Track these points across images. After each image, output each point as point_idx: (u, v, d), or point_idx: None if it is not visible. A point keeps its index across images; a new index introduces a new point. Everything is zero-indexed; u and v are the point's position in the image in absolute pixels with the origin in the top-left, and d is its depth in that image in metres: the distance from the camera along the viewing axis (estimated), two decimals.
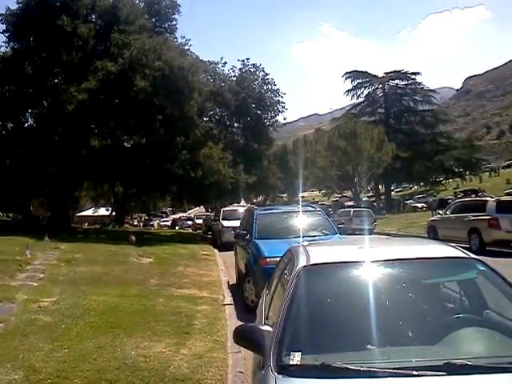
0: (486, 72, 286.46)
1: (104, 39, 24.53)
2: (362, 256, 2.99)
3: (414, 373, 1.99)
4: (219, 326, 6.65)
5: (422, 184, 76.01)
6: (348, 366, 2.05)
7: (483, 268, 2.80)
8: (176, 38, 28.72)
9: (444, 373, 1.99)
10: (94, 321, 6.61)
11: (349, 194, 54.94)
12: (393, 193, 79.58)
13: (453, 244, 3.41)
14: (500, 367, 2.04)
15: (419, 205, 55.49)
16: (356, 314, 2.60)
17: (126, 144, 28.14)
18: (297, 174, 43.65)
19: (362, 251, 3.28)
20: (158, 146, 23.55)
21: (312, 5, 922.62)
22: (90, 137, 25.62)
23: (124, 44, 22.97)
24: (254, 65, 34.07)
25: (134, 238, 18.92)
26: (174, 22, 28.76)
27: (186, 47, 27.68)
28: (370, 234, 24.03)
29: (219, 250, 18.89)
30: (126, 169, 24.16)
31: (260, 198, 59.50)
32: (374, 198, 67.53)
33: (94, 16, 26.17)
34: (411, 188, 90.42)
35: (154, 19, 27.95)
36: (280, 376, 2.10)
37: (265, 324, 2.99)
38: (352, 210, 30.94)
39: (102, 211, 51.12)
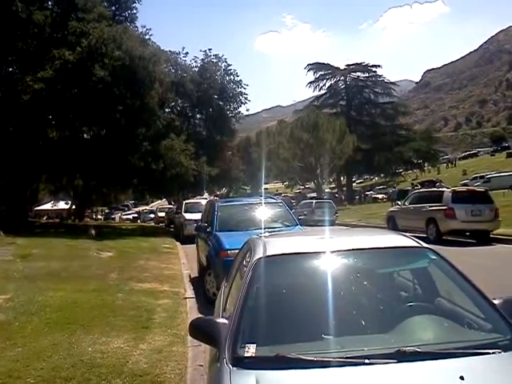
0: (444, 65, 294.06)
1: (61, 27, 23.68)
2: (318, 247, 3.00)
3: (366, 361, 2.02)
4: (179, 320, 6.59)
5: (382, 175, 77.49)
6: (302, 357, 2.06)
7: (434, 257, 2.86)
8: (136, 27, 28.19)
9: (395, 360, 2.02)
10: (50, 317, 6.43)
11: (311, 185, 55.58)
12: (354, 184, 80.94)
13: (408, 234, 3.47)
14: (448, 353, 2.09)
15: (380, 196, 56.69)
16: (312, 304, 2.62)
17: (85, 135, 27.44)
18: (260, 166, 43.83)
19: (318, 242, 3.29)
20: (119, 138, 23.12)
21: None
22: (47, 128, 24.82)
23: (82, 32, 22.28)
24: (216, 55, 33.97)
25: (93, 231, 18.57)
26: (135, 11, 28.19)
27: (147, 37, 27.18)
28: (332, 225, 24.37)
29: (181, 243, 18.75)
30: (86, 161, 23.59)
31: (223, 190, 59.42)
32: (336, 190, 68.45)
33: (50, 3, 25.25)
34: (372, 179, 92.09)
35: (113, 7, 27.28)
36: (234, 368, 2.10)
37: (221, 317, 2.98)
38: (314, 201, 31.29)
39: (62, 205, 49.85)
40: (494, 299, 2.54)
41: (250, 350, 2.19)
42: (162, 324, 6.37)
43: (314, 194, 50.29)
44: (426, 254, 2.92)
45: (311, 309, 2.59)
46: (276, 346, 2.24)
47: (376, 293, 2.73)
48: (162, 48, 29.49)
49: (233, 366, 2.12)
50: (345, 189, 68.93)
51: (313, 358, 2.06)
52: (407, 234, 3.33)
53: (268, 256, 2.85)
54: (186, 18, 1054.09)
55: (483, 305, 2.48)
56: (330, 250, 2.89)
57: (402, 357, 2.04)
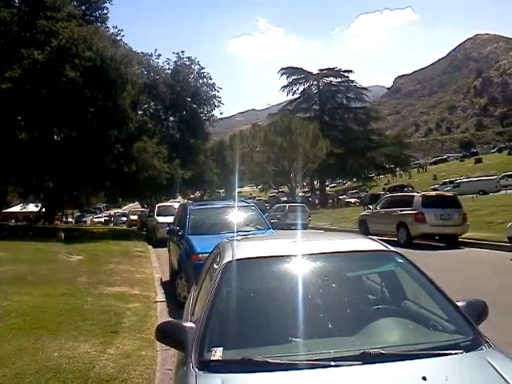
0: (415, 72, 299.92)
1: (29, 26, 23.20)
2: (288, 250, 3.00)
3: (332, 363, 2.04)
4: (149, 324, 6.51)
5: (355, 179, 78.42)
6: (268, 360, 2.07)
7: (401, 260, 2.89)
8: (108, 27, 27.88)
9: (360, 362, 2.05)
10: (14, 322, 6.27)
11: (285, 189, 55.74)
12: (327, 188, 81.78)
13: (377, 238, 3.50)
14: (412, 354, 2.13)
15: (352, 200, 57.32)
16: (280, 307, 2.62)
17: (55, 137, 26.92)
18: (234, 170, 43.80)
19: (288, 245, 3.30)
20: (90, 140, 22.76)
21: None
22: (16, 129, 24.27)
23: (51, 32, 21.87)
24: (189, 58, 33.86)
25: (62, 234, 18.19)
26: (106, 11, 27.86)
27: (119, 38, 26.96)
28: (305, 228, 24.54)
29: (154, 247, 18.59)
30: (56, 163, 23.15)
31: (197, 194, 59.17)
32: (309, 194, 68.92)
33: (17, 0, 24.73)
34: (345, 183, 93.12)
35: (83, 7, 26.86)
36: (201, 372, 2.09)
37: (188, 320, 2.96)
38: (287, 205, 31.44)
39: (32, 207, 48.74)
40: (458, 301, 2.59)
41: (217, 354, 2.18)
42: (132, 328, 6.28)
43: (285, 198, 50.50)
44: (394, 258, 2.95)
45: (279, 312, 2.59)
46: (243, 349, 2.24)
47: (344, 296, 2.75)
48: (134, 49, 29.38)
49: (199, 369, 2.11)
50: (318, 193, 69.42)
51: (279, 361, 2.06)
52: (375, 238, 3.37)
53: (237, 260, 2.84)
54: (159, 20, 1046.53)
55: (447, 307, 2.53)
56: (299, 253, 2.90)
57: (366, 359, 2.06)
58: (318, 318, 2.46)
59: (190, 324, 2.51)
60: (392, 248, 3.01)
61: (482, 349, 2.22)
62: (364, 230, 17.91)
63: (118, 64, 22.21)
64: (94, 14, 27.63)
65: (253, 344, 2.32)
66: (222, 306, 2.54)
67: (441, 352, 2.14)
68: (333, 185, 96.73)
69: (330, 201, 62.32)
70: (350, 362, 2.05)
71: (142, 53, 32.21)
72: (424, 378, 1.92)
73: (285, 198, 51.00)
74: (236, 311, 2.59)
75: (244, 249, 3.16)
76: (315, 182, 70.96)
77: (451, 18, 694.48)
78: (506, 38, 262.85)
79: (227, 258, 2.88)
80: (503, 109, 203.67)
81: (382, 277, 3.16)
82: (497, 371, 2.00)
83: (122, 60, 22.78)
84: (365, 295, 3.01)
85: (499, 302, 6.98)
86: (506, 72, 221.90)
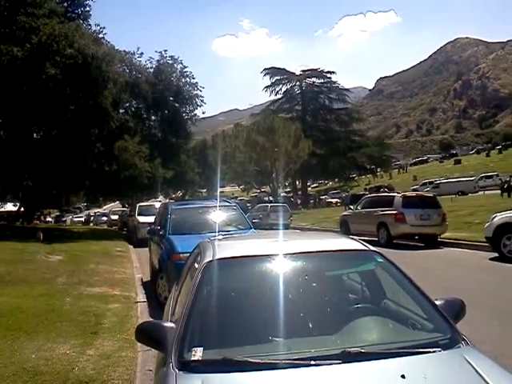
0: (396, 74, 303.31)
1: (9, 22, 22.80)
2: (268, 250, 3.01)
3: (312, 362, 2.05)
4: (130, 325, 6.44)
5: (336, 180, 78.92)
6: (249, 359, 2.07)
7: (381, 260, 2.92)
8: (90, 25, 27.47)
9: (339, 361, 2.06)
10: None
11: (267, 189, 55.82)
12: (309, 188, 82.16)
13: (357, 237, 3.53)
14: (391, 353, 2.15)
15: (334, 200, 57.66)
16: (261, 307, 2.62)
17: (35, 135, 26.50)
18: (216, 169, 43.70)
19: (268, 245, 3.31)
20: (70, 138, 22.46)
21: None
22: None
23: (32, 28, 21.49)
24: (172, 57, 33.64)
25: (41, 234, 17.91)
26: (88, 8, 27.48)
27: (101, 35, 26.54)
28: (286, 228, 24.60)
29: (135, 247, 18.45)
30: (35, 161, 22.77)
31: (179, 193, 58.87)
32: (291, 194, 69.14)
33: None
34: (327, 184, 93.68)
35: (65, 4, 26.45)
36: (181, 372, 2.08)
37: (168, 320, 2.94)
38: (269, 205, 31.53)
39: (10, 207, 47.91)
40: (436, 300, 2.62)
41: (197, 354, 2.16)
42: (112, 329, 6.22)
43: (269, 198, 50.59)
44: (373, 257, 2.97)
45: (260, 311, 2.59)
46: (224, 349, 2.23)
47: (324, 295, 2.76)
48: (116, 47, 28.95)
49: (179, 370, 2.09)
50: (300, 193, 69.70)
51: (259, 361, 2.06)
52: (355, 238, 3.39)
53: (217, 259, 2.83)
54: (142, 18, 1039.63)
55: (426, 306, 2.56)
56: (280, 252, 2.90)
57: (346, 358, 2.08)
58: (299, 318, 2.47)
59: (169, 324, 2.50)
60: (372, 247, 3.03)
61: (459, 347, 2.25)
62: (345, 229, 18.02)
63: (99, 62, 21.96)
64: (76, 11, 27.24)
65: (233, 344, 2.32)
66: (202, 305, 2.52)
67: (419, 350, 2.17)
68: (315, 185, 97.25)
69: (312, 201, 62.63)
70: (329, 361, 2.06)
71: (124, 51, 31.85)
72: (403, 376, 1.94)
73: (268, 198, 51.07)
74: (216, 311, 2.58)
75: (225, 248, 3.15)
76: (297, 182, 71.23)
77: (433, 22, 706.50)
78: (486, 42, 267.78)
79: (208, 258, 2.87)
80: (482, 111, 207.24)
81: (362, 276, 3.19)
82: (474, 368, 2.03)
83: (104, 58, 22.53)
84: (345, 294, 3.03)
85: (476, 301, 7.10)
86: (485, 75, 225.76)
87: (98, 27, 27.13)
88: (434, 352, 2.17)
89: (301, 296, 2.66)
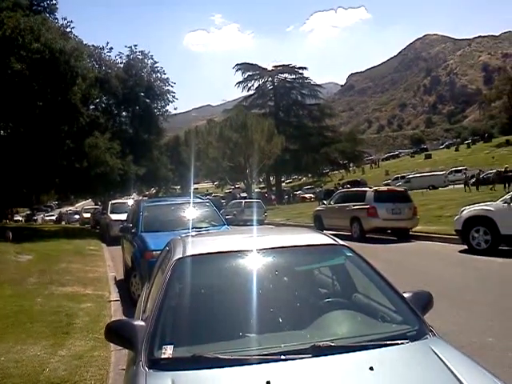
0: (367, 70, 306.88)
1: None
2: (239, 246, 3.00)
3: (282, 357, 2.06)
4: (102, 324, 6.32)
5: (310, 175, 79.45)
6: (219, 356, 2.07)
7: (350, 254, 2.95)
8: (57, 18, 26.81)
9: (310, 355, 2.08)
10: None
11: (241, 185, 55.83)
12: (283, 184, 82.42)
13: (328, 232, 3.56)
14: (360, 345, 2.18)
15: (308, 195, 58.00)
16: (231, 303, 2.63)
17: (1, 132, 25.83)
18: (189, 166, 43.42)
19: (239, 241, 3.32)
20: (39, 135, 21.96)
21: None
22: None
23: None
24: (142, 52, 33.11)
25: (10, 234, 17.50)
26: (54, 2, 26.73)
27: (68, 29, 26.05)
28: (261, 224, 24.69)
29: (108, 245, 18.21)
30: (3, 159, 22.19)
31: (152, 190, 58.33)
32: (265, 189, 69.31)
33: None
34: (301, 179, 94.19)
35: None
36: (151, 370, 2.06)
37: (138, 319, 2.92)
38: (243, 201, 31.56)
39: None
40: (405, 293, 2.67)
41: (167, 352, 2.15)
42: (84, 328, 6.13)
43: (244, 194, 50.62)
44: (342, 251, 3.00)
45: (231, 308, 2.60)
46: (194, 346, 2.22)
47: (295, 290, 2.77)
48: (84, 42, 28.39)
49: (149, 368, 2.08)
50: (274, 188, 69.92)
51: (230, 357, 2.07)
52: (325, 232, 3.42)
53: (187, 256, 2.82)
54: (111, 12, 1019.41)
55: (394, 299, 2.60)
56: (251, 248, 2.90)
57: (316, 351, 2.10)
58: (270, 313, 2.47)
59: (140, 322, 2.47)
60: (341, 242, 3.06)
61: (426, 338, 2.30)
62: (319, 224, 18.17)
63: (67, 57, 21.51)
64: (42, 4, 26.46)
65: (204, 341, 2.32)
66: (172, 303, 2.52)
67: (387, 342, 2.20)
68: (289, 180, 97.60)
69: (286, 196, 62.86)
70: (300, 356, 2.08)
71: (93, 46, 31.25)
72: (371, 368, 1.97)
73: (242, 194, 51.06)
74: (187, 308, 2.58)
75: (195, 245, 3.13)
76: (271, 178, 71.43)
77: (402, 19, 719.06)
78: (454, 38, 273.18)
79: (178, 255, 2.85)
80: (451, 107, 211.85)
81: (332, 270, 3.21)
82: (440, 358, 2.08)
83: (72, 53, 22.08)
84: (316, 289, 3.06)
85: (446, 292, 7.27)
86: (453, 71, 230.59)
87: (66, 21, 26.59)
88: (401, 344, 2.21)
89: (272, 291, 2.67)
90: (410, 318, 2.45)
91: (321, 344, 2.14)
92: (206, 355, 2.08)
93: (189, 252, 2.87)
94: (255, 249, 2.88)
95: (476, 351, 4.28)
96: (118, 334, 2.43)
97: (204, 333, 2.40)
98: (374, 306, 2.72)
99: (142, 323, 2.43)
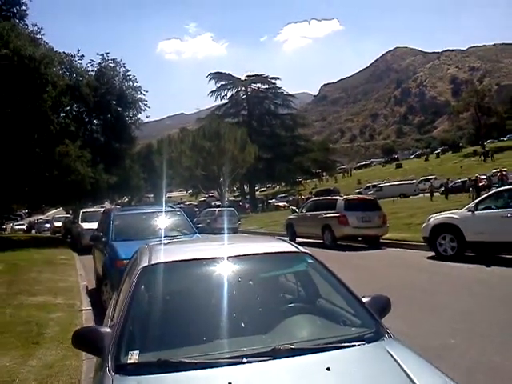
0: (340, 80, 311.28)
1: None
2: (204, 254, 3.09)
3: (244, 360, 2.17)
4: None
5: (283, 184, 79.88)
6: (183, 360, 2.15)
7: (311, 261, 3.08)
8: (26, 24, 26.37)
9: (270, 357, 2.19)
10: None
11: (215, 193, 55.71)
12: (257, 192, 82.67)
13: (288, 240, 3.69)
14: (319, 348, 2.29)
15: (281, 204, 58.24)
16: (196, 309, 2.72)
17: None
18: (162, 174, 43.11)
19: (205, 249, 3.41)
20: (7, 143, 21.54)
21: (179, 2, 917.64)
22: None
23: None
24: (114, 60, 32.76)
25: None
26: (24, 8, 26.39)
27: (39, 36, 25.46)
28: (235, 232, 24.71)
29: (79, 254, 17.93)
30: None
31: (125, 199, 57.68)
32: (240, 198, 69.34)
33: None
34: (274, 188, 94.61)
35: None
36: (117, 375, 2.13)
37: (104, 326, 2.98)
38: (217, 209, 31.54)
39: None
40: (364, 297, 2.81)
41: (133, 357, 2.23)
42: (55, 338, 6.08)
43: (218, 202, 50.52)
44: (304, 259, 3.13)
45: (196, 314, 2.68)
46: (160, 351, 2.31)
47: (258, 296, 2.86)
48: (55, 49, 27.93)
49: (115, 373, 2.15)
50: (248, 197, 70.03)
51: (193, 361, 2.16)
52: (288, 240, 3.55)
53: (152, 264, 2.90)
54: (83, 20, 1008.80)
55: (353, 303, 2.74)
56: (215, 256, 3.00)
57: (276, 354, 2.20)
58: (233, 318, 2.56)
59: (106, 329, 2.54)
60: (303, 249, 3.19)
61: (383, 339, 2.42)
62: (291, 232, 18.30)
63: (37, 64, 21.22)
64: (11, 10, 26.05)
65: (169, 346, 2.39)
66: (138, 310, 2.59)
67: (345, 344, 2.33)
68: (263, 189, 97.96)
69: (260, 205, 63.04)
70: (260, 358, 2.18)
71: (64, 53, 30.65)
72: (328, 369, 2.09)
73: (216, 203, 50.95)
74: (152, 315, 2.66)
75: (161, 253, 3.20)
76: (245, 187, 71.53)
77: (374, 31, 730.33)
78: (423, 51, 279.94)
79: (143, 263, 2.93)
80: (421, 117, 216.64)
81: (297, 277, 3.34)
82: (393, 358, 2.21)
83: (42, 60, 21.79)
84: (280, 294, 3.17)
85: (411, 297, 7.48)
86: (422, 83, 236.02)
87: (36, 27, 26.03)
88: (358, 345, 2.33)
89: (235, 298, 2.75)
90: (368, 321, 2.58)
91: (281, 347, 2.24)
92: (171, 359, 2.16)
93: (154, 260, 2.95)
94: (220, 256, 2.98)
95: (438, 352, 4.45)
96: (85, 340, 2.49)
97: (169, 338, 2.48)
98: (335, 310, 2.84)
99: (109, 330, 2.50)
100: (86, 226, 19.68)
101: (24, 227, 53.48)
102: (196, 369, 2.11)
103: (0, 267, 13.15)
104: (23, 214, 72.96)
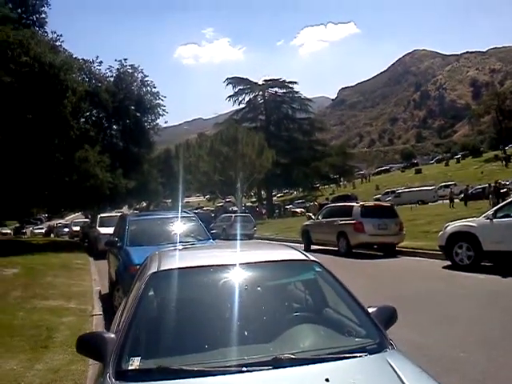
0: (358, 84, 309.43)
1: None
2: (212, 260, 3.07)
3: (244, 369, 2.14)
4: None
5: (301, 189, 79.60)
6: (183, 367, 2.13)
7: (319, 269, 3.03)
8: (46, 32, 26.92)
9: (271, 367, 2.15)
10: None
11: (232, 199, 55.81)
12: (275, 198, 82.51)
13: (298, 248, 3.63)
14: (320, 358, 2.25)
15: (298, 210, 58.02)
16: (201, 317, 2.68)
17: None
18: (180, 179, 43.41)
19: (214, 256, 3.38)
20: (28, 148, 21.92)
21: (196, 7, 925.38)
22: None
23: None
24: (132, 66, 33.21)
25: None
26: (44, 15, 27.00)
27: (58, 43, 25.92)
28: (250, 238, 24.67)
29: (95, 259, 18.08)
30: None
31: (143, 204, 58.14)
32: (257, 203, 69.32)
33: None
34: (292, 193, 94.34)
35: (19, 10, 25.88)
36: (117, 382, 2.11)
37: (110, 331, 2.97)
38: (233, 215, 31.54)
39: None
40: (370, 308, 2.75)
41: (134, 364, 2.21)
42: (64, 343, 6.10)
43: (235, 208, 50.58)
44: (313, 267, 3.08)
45: (200, 321, 2.65)
46: (161, 358, 2.29)
47: (264, 304, 2.82)
48: (74, 56, 28.40)
49: (115, 379, 2.13)
50: (265, 202, 69.96)
51: (194, 369, 2.13)
52: (298, 248, 3.49)
53: (161, 271, 2.88)
54: (102, 27, 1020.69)
55: (359, 313, 2.68)
56: (223, 263, 2.97)
57: (277, 363, 2.17)
58: (237, 327, 2.52)
59: (110, 335, 2.53)
60: (312, 257, 3.15)
61: (385, 351, 2.36)
62: (306, 239, 18.17)
63: (57, 70, 21.55)
64: (31, 18, 26.64)
65: (172, 353, 2.38)
66: (143, 316, 2.57)
67: (346, 355, 2.27)
68: (280, 194, 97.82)
69: (277, 210, 62.90)
70: (261, 367, 2.15)
71: (82, 59, 31.21)
72: (327, 380, 2.03)
73: (234, 208, 51.03)
74: (157, 322, 2.65)
75: (170, 260, 3.18)
76: (262, 192, 71.51)
77: (391, 34, 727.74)
78: (442, 54, 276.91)
79: (152, 269, 2.92)
80: (441, 121, 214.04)
81: (305, 285, 3.28)
82: (394, 370, 2.15)
83: (62, 66, 22.13)
84: (286, 303, 3.10)
85: (426, 308, 7.34)
86: (442, 86, 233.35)
87: (55, 35, 26.50)
88: (360, 357, 2.28)
89: (241, 306, 2.70)
90: (372, 332, 2.52)
91: (282, 356, 2.20)
92: (171, 367, 2.15)
93: (163, 267, 2.94)
94: (227, 264, 2.96)
95: (448, 364, 4.35)
96: (88, 346, 2.48)
97: (172, 346, 2.46)
98: (340, 320, 2.79)
99: (113, 336, 2.49)
100: (103, 230, 19.83)
101: (43, 231, 54.28)
102: (195, 376, 2.10)
103: (17, 270, 13.32)
104: (43, 218, 74.14)
